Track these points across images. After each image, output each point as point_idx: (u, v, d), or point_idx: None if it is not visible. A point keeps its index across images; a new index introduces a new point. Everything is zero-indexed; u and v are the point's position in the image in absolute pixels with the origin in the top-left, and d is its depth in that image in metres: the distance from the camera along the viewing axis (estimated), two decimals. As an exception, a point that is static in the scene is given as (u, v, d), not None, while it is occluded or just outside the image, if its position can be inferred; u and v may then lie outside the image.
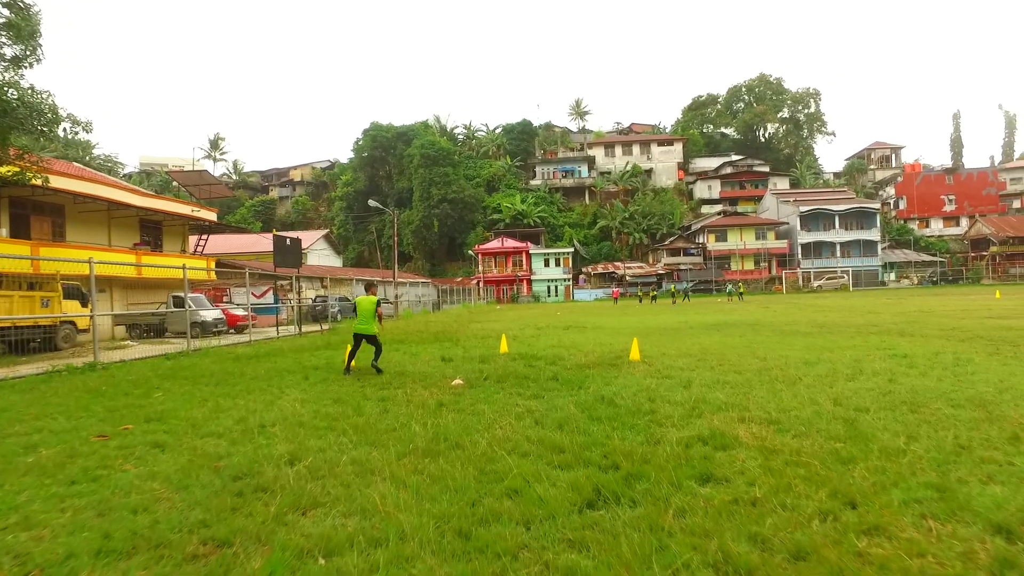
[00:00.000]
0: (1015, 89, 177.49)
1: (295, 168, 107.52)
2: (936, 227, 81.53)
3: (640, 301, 50.00)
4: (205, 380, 9.66)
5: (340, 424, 5.92)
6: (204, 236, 31.63)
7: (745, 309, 29.73)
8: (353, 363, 10.17)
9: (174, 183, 53.20)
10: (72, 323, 17.82)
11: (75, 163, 38.25)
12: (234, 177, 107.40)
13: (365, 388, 8.31)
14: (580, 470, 4.17)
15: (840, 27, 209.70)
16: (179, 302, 23.24)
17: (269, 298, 33.56)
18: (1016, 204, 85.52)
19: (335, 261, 72.01)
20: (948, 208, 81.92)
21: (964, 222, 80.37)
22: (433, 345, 14.91)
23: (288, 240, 22.46)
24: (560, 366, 9.87)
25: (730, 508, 3.38)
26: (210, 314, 24.26)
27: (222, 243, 59.06)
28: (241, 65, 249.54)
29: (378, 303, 10.51)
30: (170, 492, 4.01)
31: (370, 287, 11.19)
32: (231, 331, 25.32)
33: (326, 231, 75.47)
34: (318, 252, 67.73)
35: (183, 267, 14.45)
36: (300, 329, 23.17)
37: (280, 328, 23.83)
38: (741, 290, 47.53)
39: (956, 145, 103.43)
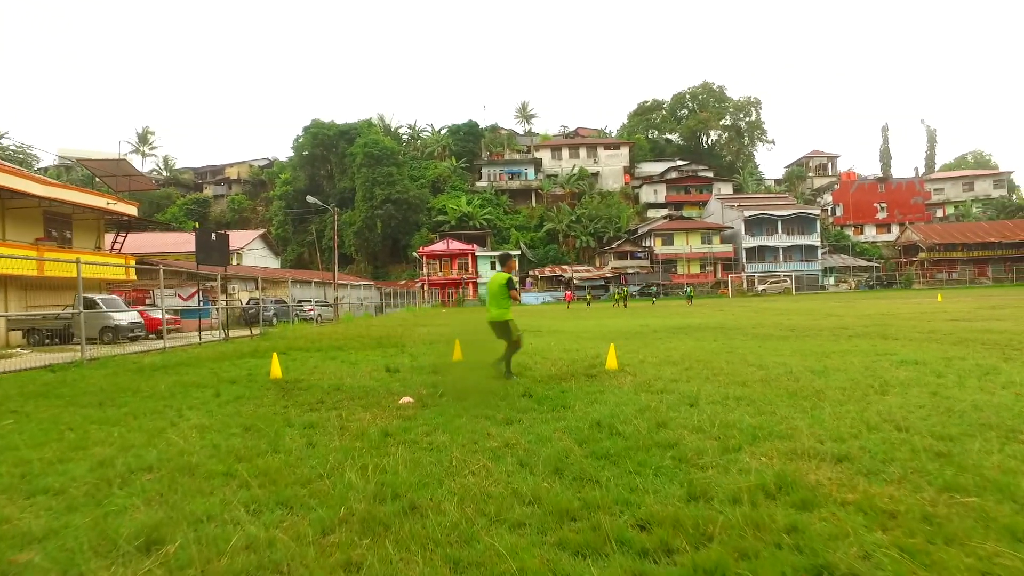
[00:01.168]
0: (936, 105, 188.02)
1: (231, 166, 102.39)
2: (870, 233, 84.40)
3: (588, 304, 49.13)
4: (86, 400, 7.65)
5: (244, 469, 4.19)
6: (123, 232, 28.62)
7: (701, 312, 28.96)
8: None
9: (97, 179, 49.01)
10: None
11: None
12: (165, 174, 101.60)
13: (289, 410, 6.54)
14: (614, 559, 2.63)
15: (781, 38, 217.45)
16: (89, 303, 20.63)
17: (200, 300, 30.82)
18: (939, 213, 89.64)
19: (272, 262, 68.65)
20: (880, 215, 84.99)
21: (895, 229, 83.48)
22: (376, 352, 13.13)
23: (213, 235, 20.14)
24: (529, 377, 8.34)
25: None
26: (125, 317, 21.69)
27: (149, 242, 55.19)
28: (175, 56, 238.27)
29: (509, 282, 8.42)
30: None
31: (506, 260, 8.82)
32: (152, 336, 22.76)
33: (263, 231, 71.90)
34: (254, 253, 64.41)
35: (77, 261, 12.19)
36: (227, 334, 20.85)
37: (206, 333, 21.47)
38: (691, 293, 47.27)
39: (885, 156, 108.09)
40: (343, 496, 3.50)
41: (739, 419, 5.21)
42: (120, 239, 27.98)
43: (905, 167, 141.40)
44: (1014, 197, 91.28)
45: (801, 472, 3.63)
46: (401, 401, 6.66)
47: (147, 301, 32.96)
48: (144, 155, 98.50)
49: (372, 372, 9.52)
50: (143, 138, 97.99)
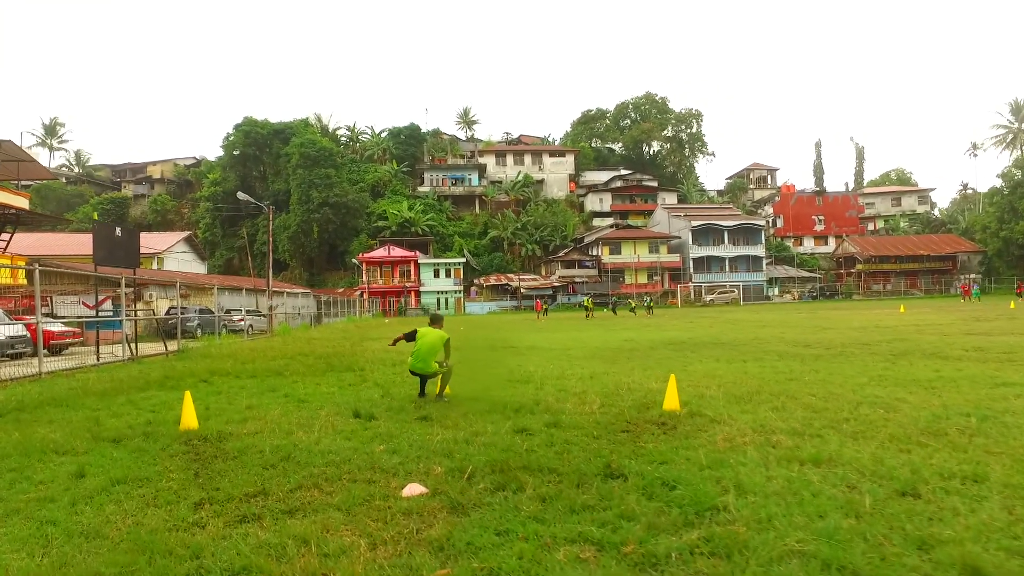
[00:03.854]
0: (862, 123, 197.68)
1: (154, 164, 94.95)
2: (808, 245, 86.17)
3: (545, 313, 46.87)
4: None
5: None
6: (9, 228, 24.20)
7: (672, 324, 27.03)
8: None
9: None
10: None
11: None
12: (76, 170, 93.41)
13: (205, 517, 3.63)
14: None
15: (720, 52, 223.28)
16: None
17: (112, 310, 26.57)
18: (871, 227, 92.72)
19: (199, 267, 63.46)
20: (818, 228, 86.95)
21: (832, 241, 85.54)
22: (328, 379, 10.16)
23: (118, 231, 16.55)
24: (578, 431, 5.64)
25: None
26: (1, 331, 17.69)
27: (54, 242, 49.67)
28: (90, 39, 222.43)
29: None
30: None
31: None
32: (46, 353, 18.74)
33: (188, 233, 66.35)
34: (178, 257, 59.19)
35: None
36: (135, 352, 17.16)
37: (107, 349, 17.73)
38: (636, 304, 45.35)
39: (818, 171, 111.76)
40: None
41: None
42: (5, 236, 23.57)
43: (836, 182, 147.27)
44: (935, 212, 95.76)
45: None
46: (405, 492, 3.88)
47: (45, 310, 28.43)
48: (52, 148, 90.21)
49: (334, 418, 6.61)
50: (51, 130, 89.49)
